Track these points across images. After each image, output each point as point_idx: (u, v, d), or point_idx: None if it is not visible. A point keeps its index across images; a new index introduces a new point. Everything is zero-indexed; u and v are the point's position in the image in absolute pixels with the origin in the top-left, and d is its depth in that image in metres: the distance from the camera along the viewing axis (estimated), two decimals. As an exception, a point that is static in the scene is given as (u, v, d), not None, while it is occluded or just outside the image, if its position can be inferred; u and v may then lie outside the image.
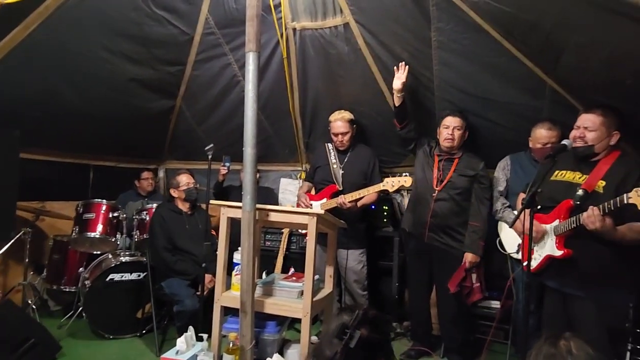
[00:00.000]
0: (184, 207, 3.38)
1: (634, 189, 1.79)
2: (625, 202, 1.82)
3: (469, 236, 2.88)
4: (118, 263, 3.31)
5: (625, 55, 2.09)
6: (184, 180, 3.37)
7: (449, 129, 2.92)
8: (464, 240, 2.89)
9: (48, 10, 2.67)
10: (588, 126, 2.09)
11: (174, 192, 3.38)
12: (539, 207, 2.11)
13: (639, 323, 2.53)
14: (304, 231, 3.49)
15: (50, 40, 2.85)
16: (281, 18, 3.12)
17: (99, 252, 3.59)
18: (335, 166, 3.37)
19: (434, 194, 2.94)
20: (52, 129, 3.51)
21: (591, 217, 1.91)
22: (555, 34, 2.23)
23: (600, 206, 1.90)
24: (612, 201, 1.87)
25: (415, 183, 3.06)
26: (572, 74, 2.47)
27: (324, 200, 3.30)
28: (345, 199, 3.10)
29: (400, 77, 2.99)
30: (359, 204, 3.20)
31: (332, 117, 3.35)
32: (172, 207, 3.38)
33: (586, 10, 1.99)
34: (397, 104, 3.08)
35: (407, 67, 2.97)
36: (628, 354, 2.47)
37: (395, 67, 3.01)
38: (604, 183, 2.02)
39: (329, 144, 3.47)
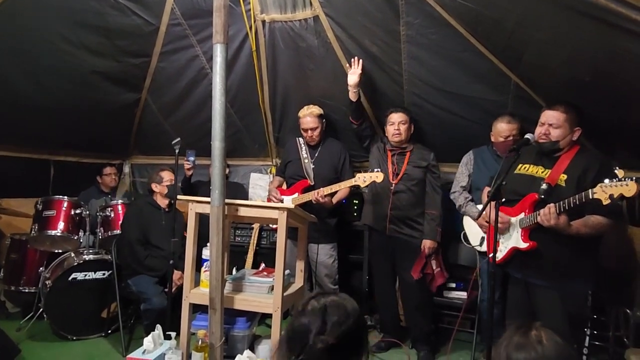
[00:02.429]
0: (162, 203, 3.33)
1: (599, 185, 1.87)
2: (591, 197, 1.89)
3: (427, 224, 2.99)
4: (81, 261, 3.19)
5: (585, 54, 2.18)
6: (167, 176, 3.33)
7: (395, 124, 3.03)
8: (423, 229, 2.99)
9: (1, -4, 2.53)
10: (552, 123, 2.16)
11: (155, 187, 3.32)
12: (503, 200, 2.16)
13: (597, 309, 2.67)
14: (274, 226, 3.46)
15: (4, 29, 2.70)
16: (250, 10, 3.06)
17: (60, 251, 3.44)
18: (306, 161, 3.36)
19: (391, 187, 3.03)
20: (7, 122, 3.32)
21: (547, 215, 2.01)
22: (517, 32, 2.29)
23: (556, 205, 1.99)
24: (572, 198, 1.95)
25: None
26: (534, 70, 2.55)
27: (296, 195, 3.29)
28: (319, 194, 3.09)
29: (355, 72, 3.02)
30: (335, 199, 3.22)
31: (301, 113, 3.34)
32: (151, 201, 3.33)
33: (547, 9, 2.05)
34: (353, 100, 3.11)
35: (360, 61, 3.01)
36: (587, 338, 2.60)
37: (347, 64, 3.03)
38: (565, 176, 2.10)
39: (300, 139, 3.45)
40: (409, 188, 3.02)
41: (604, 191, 1.84)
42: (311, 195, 3.14)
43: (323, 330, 1.12)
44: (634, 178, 1.80)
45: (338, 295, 1.22)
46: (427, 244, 2.96)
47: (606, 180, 1.84)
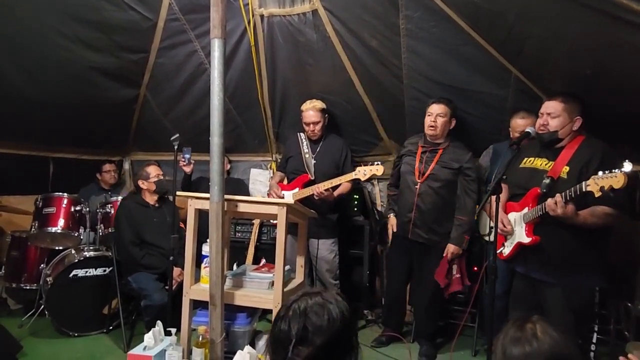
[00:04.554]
0: (151, 199, 3.28)
1: (592, 177, 1.84)
2: (584, 190, 1.87)
3: (455, 229, 2.82)
4: (82, 258, 3.19)
5: (585, 47, 2.15)
6: (154, 172, 3.26)
7: (432, 116, 2.84)
8: (451, 233, 2.83)
9: (-4, -8, 2.51)
10: (550, 112, 2.14)
11: (142, 184, 3.26)
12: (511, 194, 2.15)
13: (604, 305, 2.65)
14: (274, 221, 3.46)
15: (0, 25, 2.68)
16: (248, 4, 3.04)
17: (61, 248, 3.44)
18: (307, 156, 3.35)
19: (416, 187, 2.88)
20: (6, 119, 3.31)
21: (552, 204, 1.96)
22: (518, 25, 2.27)
23: (563, 194, 1.96)
24: (572, 189, 1.93)
25: (401, 176, 3.06)
26: (535, 64, 2.53)
27: (296, 189, 3.28)
28: (319, 188, 3.07)
29: None
30: (336, 193, 3.20)
31: (303, 107, 3.32)
32: (138, 199, 3.27)
33: (548, 2, 2.03)
34: None
35: None
36: (595, 335, 2.58)
37: None
38: (567, 169, 2.07)
39: (301, 134, 3.44)
40: (434, 190, 2.83)
41: (596, 183, 1.82)
42: (311, 190, 3.12)
43: (304, 337, 1.06)
44: (622, 169, 1.75)
45: (324, 295, 1.15)
46: (450, 248, 2.80)
47: (600, 172, 1.82)
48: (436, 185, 2.85)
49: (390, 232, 3.15)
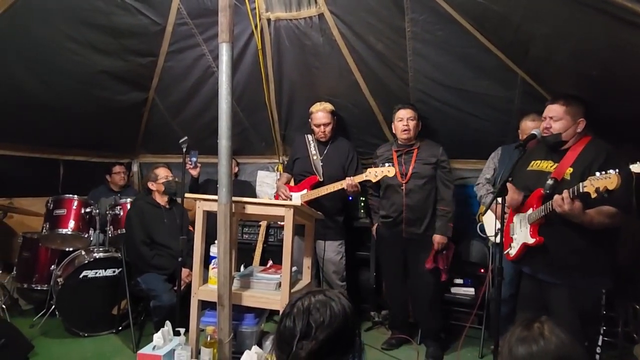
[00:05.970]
0: (162, 200, 3.33)
1: (588, 178, 1.84)
2: (582, 190, 1.86)
3: (439, 219, 2.97)
4: (91, 259, 3.24)
5: (591, 47, 2.15)
6: (162, 173, 3.31)
7: (404, 120, 3.00)
8: (435, 224, 2.97)
9: (10, -1, 2.56)
10: (553, 116, 2.14)
11: (152, 185, 3.32)
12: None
13: (611, 307, 2.64)
14: (281, 223, 3.48)
15: (12, 30, 2.73)
16: (255, 8, 3.07)
17: (71, 249, 3.50)
18: (315, 157, 3.36)
19: (402, 187, 2.99)
20: (17, 122, 3.37)
21: (559, 200, 1.95)
22: (524, 26, 2.28)
23: (570, 190, 1.94)
24: (570, 189, 1.92)
25: (383, 184, 3.10)
26: (540, 65, 2.54)
27: (304, 191, 3.29)
28: (353, 181, 3.03)
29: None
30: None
31: (313, 108, 3.34)
32: (150, 200, 3.33)
33: (553, 3, 2.03)
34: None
35: None
36: (600, 337, 2.57)
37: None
38: (571, 170, 2.07)
39: (309, 135, 3.46)
40: (420, 187, 2.97)
41: (592, 184, 1.81)
42: (341, 185, 3.07)
43: (308, 333, 1.10)
44: (617, 170, 1.74)
45: (327, 293, 1.19)
46: (436, 238, 2.94)
47: (597, 173, 1.81)
48: (421, 182, 2.98)
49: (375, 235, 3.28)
